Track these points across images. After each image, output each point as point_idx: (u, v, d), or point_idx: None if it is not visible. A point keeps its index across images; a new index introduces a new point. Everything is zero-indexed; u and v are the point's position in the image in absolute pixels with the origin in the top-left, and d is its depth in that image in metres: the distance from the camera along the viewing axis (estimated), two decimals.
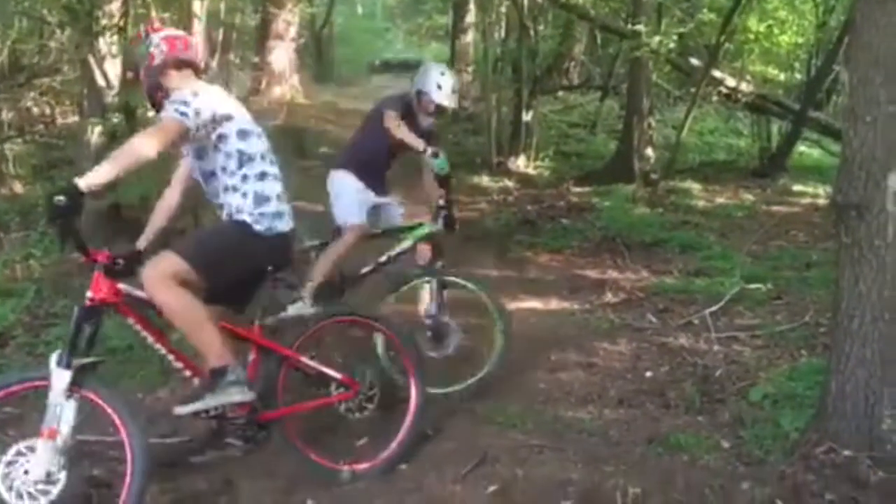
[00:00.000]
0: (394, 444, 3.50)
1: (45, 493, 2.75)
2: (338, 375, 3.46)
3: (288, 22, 12.38)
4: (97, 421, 3.01)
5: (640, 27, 8.96)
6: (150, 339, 3.13)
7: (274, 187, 3.33)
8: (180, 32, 3.54)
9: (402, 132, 4.42)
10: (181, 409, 3.13)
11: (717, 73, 10.00)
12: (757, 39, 10.51)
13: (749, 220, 8.24)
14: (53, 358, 2.85)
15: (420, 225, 4.58)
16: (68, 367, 2.83)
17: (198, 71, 3.43)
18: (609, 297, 5.87)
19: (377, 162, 4.67)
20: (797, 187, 9.71)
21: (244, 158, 3.27)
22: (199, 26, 7.23)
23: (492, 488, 3.24)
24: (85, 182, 2.79)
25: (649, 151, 9.82)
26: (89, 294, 2.95)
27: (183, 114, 3.08)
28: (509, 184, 9.92)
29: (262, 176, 3.30)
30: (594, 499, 3.17)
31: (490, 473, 3.36)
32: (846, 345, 3.23)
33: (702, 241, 7.30)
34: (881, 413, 3.17)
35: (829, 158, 10.36)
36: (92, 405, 2.93)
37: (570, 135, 12.85)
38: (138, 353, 4.26)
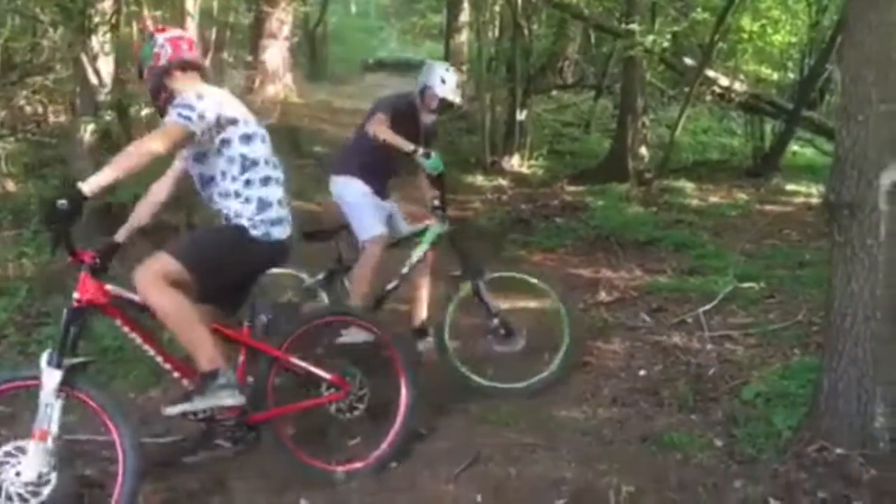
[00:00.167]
0: (385, 444, 3.49)
1: (36, 494, 2.74)
2: (328, 376, 3.44)
3: (282, 20, 12.34)
4: (89, 420, 3.00)
5: (634, 26, 8.97)
6: (139, 341, 3.12)
7: (276, 192, 3.32)
8: (185, 33, 3.50)
9: (386, 136, 4.29)
10: (170, 410, 3.11)
11: (710, 73, 10.02)
12: (750, 39, 10.53)
13: (742, 219, 8.26)
14: (44, 357, 2.85)
15: (428, 228, 4.51)
16: (59, 366, 2.82)
17: (203, 72, 3.40)
18: (603, 295, 5.87)
19: (380, 164, 4.50)
20: (790, 186, 9.73)
21: (247, 163, 3.24)
22: (192, 24, 7.22)
23: (485, 487, 3.24)
24: (88, 186, 2.79)
25: (643, 150, 9.83)
26: (76, 295, 2.93)
27: (187, 118, 3.06)
28: (503, 183, 9.92)
29: (266, 181, 3.29)
30: (587, 497, 3.18)
31: (483, 472, 3.37)
32: (839, 343, 3.23)
33: (695, 240, 7.31)
34: (873, 411, 3.18)
35: (822, 158, 10.39)
36: (83, 405, 2.93)
37: (564, 134, 12.85)
38: (130, 353, 4.23)
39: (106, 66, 6.28)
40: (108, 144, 6.40)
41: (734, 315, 5.31)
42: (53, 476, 2.77)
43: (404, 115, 4.48)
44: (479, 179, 9.99)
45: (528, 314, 4.65)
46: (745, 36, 10.44)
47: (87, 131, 6.23)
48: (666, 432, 3.73)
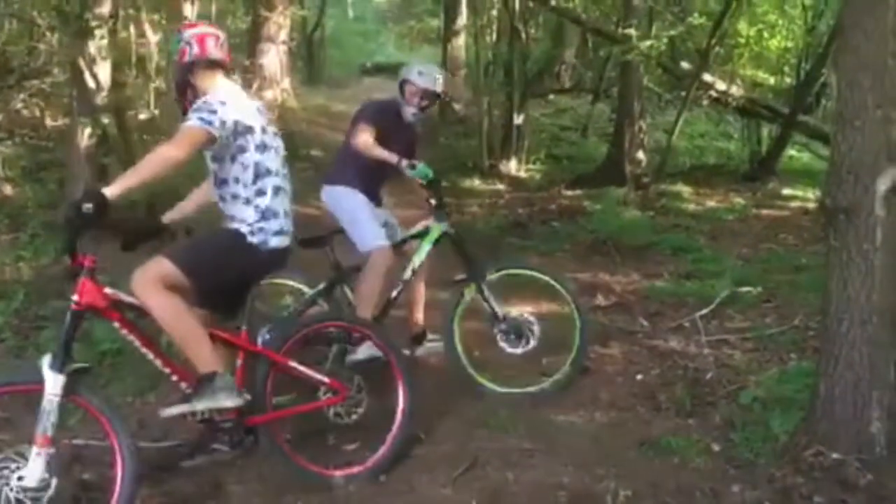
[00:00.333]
0: (383, 449, 3.48)
1: (36, 499, 2.73)
2: (326, 379, 3.44)
3: (279, 25, 12.32)
4: (87, 424, 2.99)
5: (631, 31, 9.00)
6: (137, 344, 3.10)
7: (284, 203, 3.34)
8: (214, 30, 3.42)
9: (370, 151, 4.19)
10: (168, 411, 3.12)
11: (707, 77, 10.06)
12: (747, 43, 10.58)
13: (739, 223, 8.29)
14: (46, 362, 2.82)
15: (429, 229, 4.41)
16: (61, 371, 2.81)
17: (227, 70, 3.41)
18: (600, 300, 5.88)
19: (372, 171, 4.36)
20: (787, 191, 9.77)
21: (261, 171, 3.26)
22: None
23: (483, 492, 3.24)
24: (111, 191, 2.82)
25: (640, 155, 9.85)
26: (75, 298, 2.93)
27: (209, 122, 3.08)
28: (501, 187, 9.93)
29: (277, 191, 3.30)
30: (585, 502, 3.17)
31: (481, 477, 3.37)
32: (835, 348, 3.24)
33: (692, 244, 7.32)
34: (870, 416, 3.19)
35: (818, 162, 10.42)
36: (83, 410, 2.92)
37: (561, 138, 12.88)
38: (128, 357, 4.23)
39: (103, 69, 6.28)
40: (106, 148, 6.41)
41: (731, 319, 5.32)
42: (54, 481, 2.76)
43: (391, 121, 4.38)
44: (477, 183, 10.00)
45: (537, 312, 4.53)
46: (742, 40, 10.49)
47: (85, 135, 6.23)
48: (663, 437, 3.73)
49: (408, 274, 4.36)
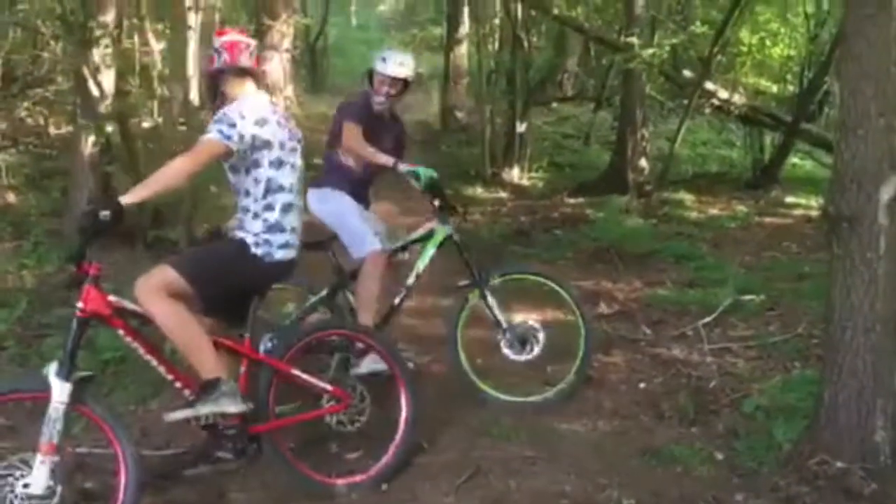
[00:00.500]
0: (386, 457, 3.48)
1: None
2: (329, 388, 3.44)
3: (283, 33, 12.39)
4: (90, 432, 3.00)
5: (634, 39, 9.00)
6: (142, 351, 3.11)
7: (293, 220, 3.35)
8: (244, 38, 3.43)
9: (365, 151, 4.13)
10: (172, 416, 3.13)
11: (709, 85, 10.06)
12: (749, 52, 10.61)
13: (742, 231, 8.27)
14: (52, 370, 2.82)
15: (433, 232, 4.33)
16: (67, 379, 2.81)
17: (257, 79, 3.41)
18: (603, 308, 5.87)
19: (357, 172, 4.31)
20: (790, 199, 9.75)
21: (272, 187, 3.27)
22: (193, 38, 7.25)
23: (485, 500, 3.24)
24: (126, 200, 2.87)
25: (643, 163, 9.84)
26: (79, 305, 2.93)
27: (228, 136, 3.10)
28: (503, 195, 9.94)
29: (287, 208, 3.31)
30: None
31: (484, 485, 3.36)
32: (839, 356, 3.24)
33: (695, 252, 7.30)
34: (874, 424, 3.19)
35: (821, 170, 10.41)
36: (87, 418, 2.93)
37: (563, 146, 12.90)
38: (131, 366, 4.23)
39: (107, 78, 6.30)
40: (109, 156, 6.43)
41: (734, 328, 5.31)
42: (59, 489, 2.76)
43: (374, 118, 4.31)
44: (479, 191, 10.01)
45: (541, 320, 4.49)
46: (745, 49, 10.52)
47: (88, 143, 6.25)
48: (666, 445, 3.73)
49: (411, 279, 4.30)
